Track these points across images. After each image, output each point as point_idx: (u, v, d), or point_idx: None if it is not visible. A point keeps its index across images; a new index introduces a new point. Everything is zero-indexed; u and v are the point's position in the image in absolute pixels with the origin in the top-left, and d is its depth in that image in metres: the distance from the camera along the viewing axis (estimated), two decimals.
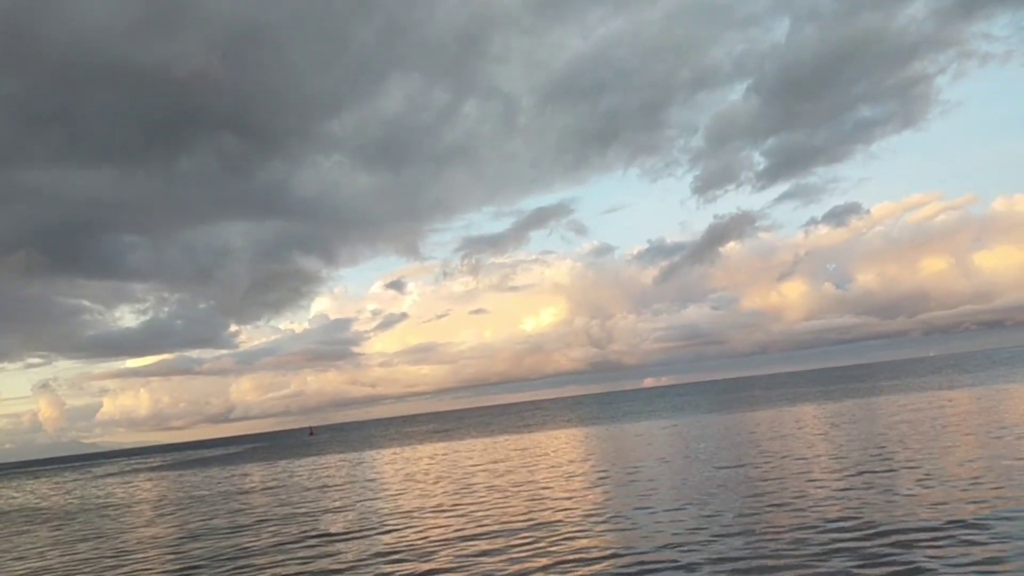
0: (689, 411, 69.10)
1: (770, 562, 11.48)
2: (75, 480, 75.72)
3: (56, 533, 26.41)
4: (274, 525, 21.46)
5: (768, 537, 13.01)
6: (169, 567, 16.60)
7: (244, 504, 28.61)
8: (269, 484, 37.60)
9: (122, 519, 28.74)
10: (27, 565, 19.36)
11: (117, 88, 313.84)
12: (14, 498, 55.14)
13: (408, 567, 13.88)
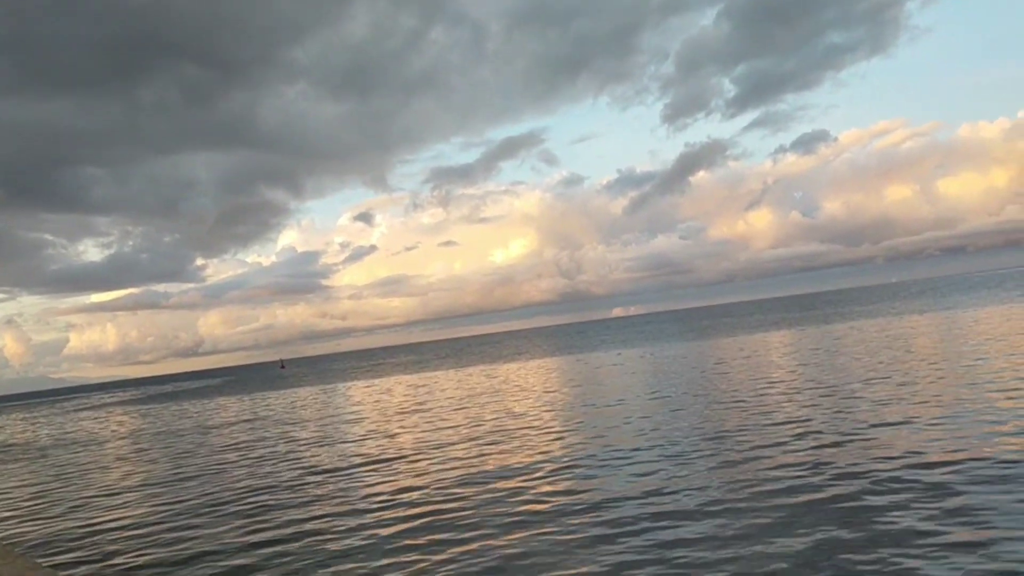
0: (657, 340, 70.15)
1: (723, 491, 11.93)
2: (47, 415, 75.41)
3: (31, 468, 26.43)
4: (250, 462, 21.68)
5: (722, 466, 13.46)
6: (148, 507, 16.78)
7: (216, 438, 28.80)
8: (244, 417, 37.79)
9: (98, 454, 28.81)
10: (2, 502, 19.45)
11: (76, 15, 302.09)
12: None
13: (388, 504, 14.15)
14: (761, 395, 21.81)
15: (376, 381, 59.51)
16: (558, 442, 17.90)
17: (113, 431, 41.03)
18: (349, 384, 60.68)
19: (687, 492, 11.85)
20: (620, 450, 15.92)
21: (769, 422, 17.13)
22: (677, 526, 10.22)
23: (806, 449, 13.91)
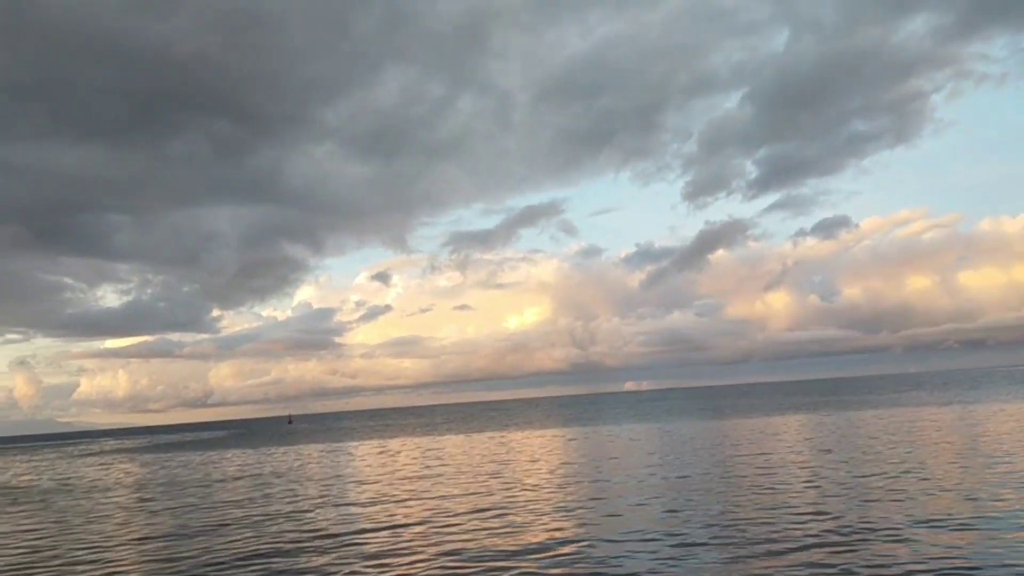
0: (669, 417, 69.08)
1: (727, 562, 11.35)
2: (51, 459, 74.83)
3: (29, 514, 25.94)
4: (254, 520, 21.14)
5: (730, 541, 12.86)
6: (145, 564, 16.27)
7: (221, 493, 28.24)
8: (250, 472, 37.20)
9: (98, 502, 28.30)
10: None
11: (110, 64, 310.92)
12: None
13: (386, 567, 13.62)
14: (780, 481, 21.11)
15: (384, 442, 58.72)
16: (567, 520, 17.29)
17: (117, 479, 40.48)
18: (357, 444, 59.91)
19: None
20: (631, 532, 15.32)
21: (789, 512, 16.45)
22: None
23: (828, 545, 13.26)
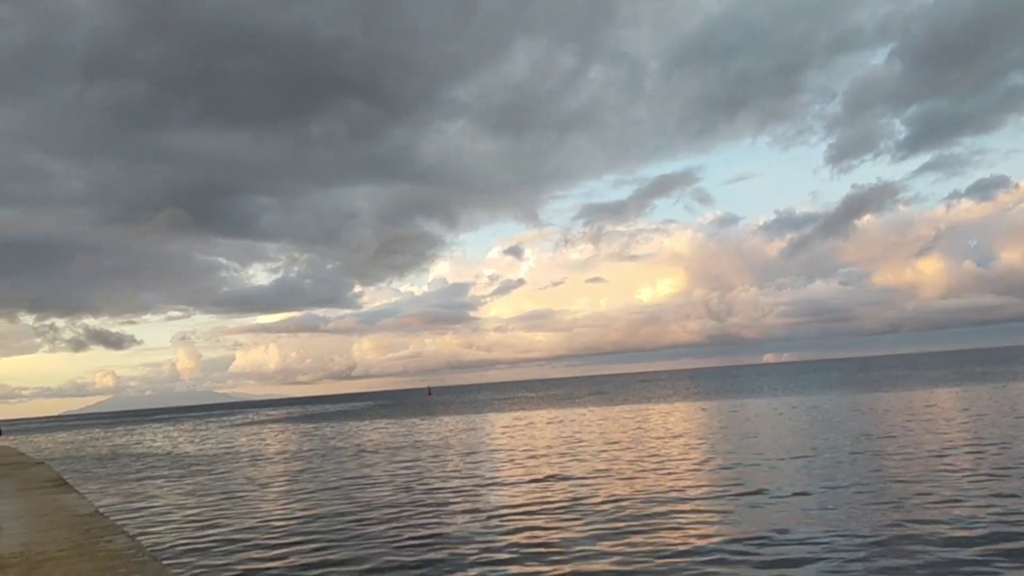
0: (815, 390, 66.03)
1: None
2: (214, 428, 79.67)
3: (196, 480, 27.29)
4: (399, 484, 21.30)
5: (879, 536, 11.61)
6: (299, 520, 16.56)
7: (376, 460, 28.82)
8: (397, 443, 38.02)
9: (258, 469, 29.51)
10: (162, 509, 19.91)
11: (256, 53, 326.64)
12: (154, 443, 58.31)
13: (530, 536, 13.19)
14: (940, 459, 19.35)
15: (525, 414, 58.96)
16: (714, 496, 16.39)
17: (277, 448, 42.34)
18: (496, 415, 60.49)
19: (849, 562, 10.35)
20: (786, 521, 14.27)
21: (950, 495, 14.83)
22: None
23: (990, 529, 11.80)
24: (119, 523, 7.60)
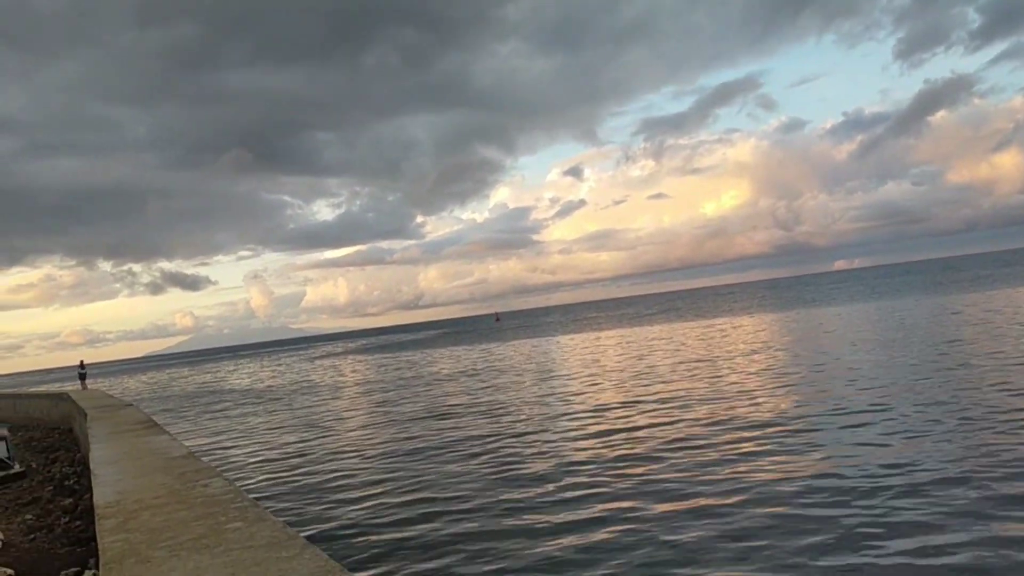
0: (891, 295, 63.87)
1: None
2: (290, 362, 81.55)
3: (281, 412, 27.68)
4: (480, 412, 21.11)
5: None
6: (388, 446, 16.48)
7: (451, 387, 28.81)
8: (472, 368, 38.06)
9: (343, 400, 29.83)
10: (249, 441, 20.16)
11: None
12: (236, 379, 59.88)
13: (606, 460, 12.74)
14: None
15: (595, 335, 58.60)
16: (796, 406, 15.71)
17: (352, 379, 42.93)
18: (567, 337, 60.25)
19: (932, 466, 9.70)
20: (857, 415, 13.50)
21: None
22: (913, 497, 9.12)
23: None
24: (213, 465, 7.33)
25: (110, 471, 7.55)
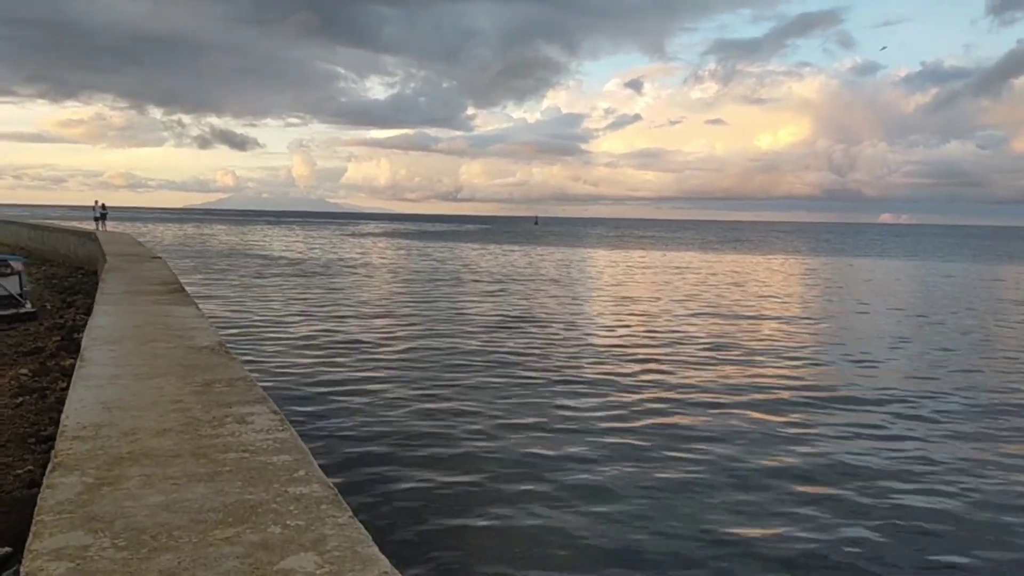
0: (941, 256, 60.59)
1: None
2: (327, 235, 79.96)
3: (319, 285, 25.75)
4: (515, 314, 18.86)
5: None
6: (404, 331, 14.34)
7: (489, 288, 26.63)
8: (513, 271, 35.88)
9: (380, 286, 27.83)
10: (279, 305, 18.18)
11: None
12: (272, 245, 58.27)
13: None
14: None
15: (644, 253, 55.96)
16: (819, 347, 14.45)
17: (389, 263, 41.00)
18: (606, 252, 57.60)
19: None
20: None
21: None
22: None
23: None
24: (249, 370, 4.94)
25: (105, 356, 5.28)
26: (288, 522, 2.56)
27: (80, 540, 2.37)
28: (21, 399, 10.03)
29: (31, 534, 2.42)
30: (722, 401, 10.93)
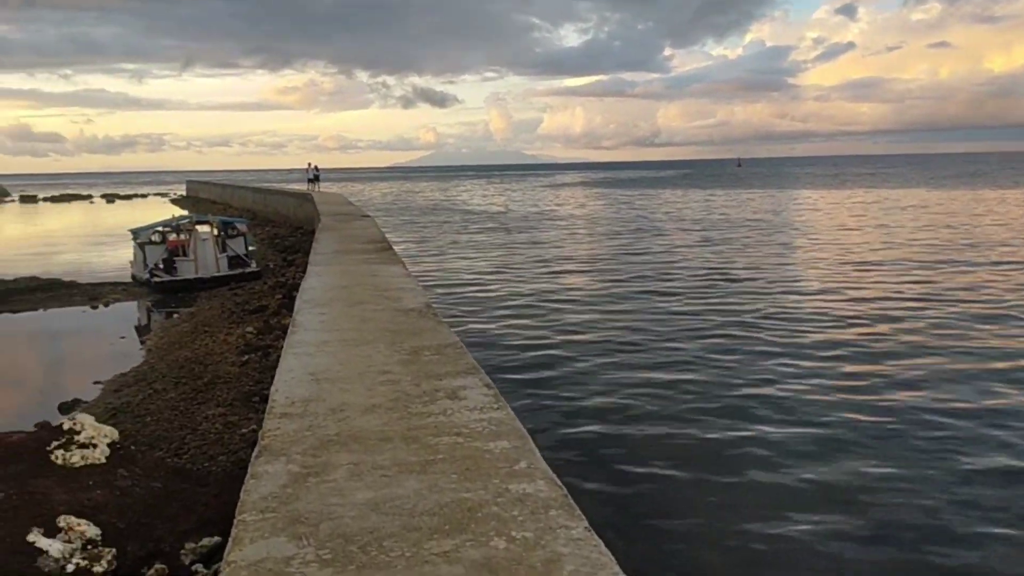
0: None
1: None
2: (526, 188, 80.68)
3: (519, 238, 25.75)
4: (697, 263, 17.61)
5: None
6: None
7: (702, 238, 25.34)
8: (723, 218, 34.16)
9: (584, 240, 27.40)
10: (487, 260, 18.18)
11: None
12: (472, 199, 59.42)
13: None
14: None
15: (869, 191, 51.68)
16: None
17: (593, 214, 40.50)
18: (823, 193, 53.63)
19: None
20: None
21: None
22: None
23: None
24: (461, 333, 4.62)
25: (314, 320, 5.17)
26: (513, 533, 2.14)
27: (282, 550, 2.07)
28: (247, 357, 10.51)
29: (231, 539, 2.16)
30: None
